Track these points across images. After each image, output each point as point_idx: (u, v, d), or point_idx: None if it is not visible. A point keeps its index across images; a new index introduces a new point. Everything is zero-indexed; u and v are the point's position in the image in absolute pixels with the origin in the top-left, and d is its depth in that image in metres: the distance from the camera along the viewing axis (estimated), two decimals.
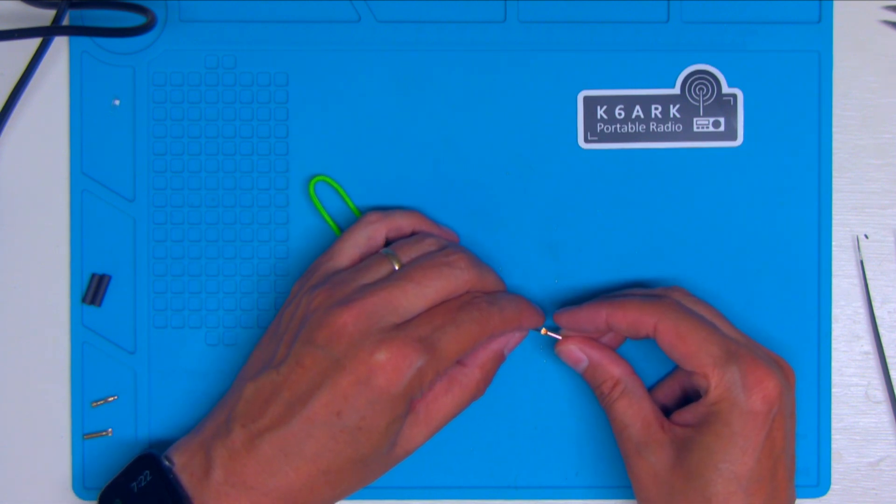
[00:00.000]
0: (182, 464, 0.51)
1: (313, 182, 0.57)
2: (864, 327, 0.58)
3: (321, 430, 0.49)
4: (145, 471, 0.51)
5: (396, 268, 0.52)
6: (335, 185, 0.57)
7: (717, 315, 0.53)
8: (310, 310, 0.51)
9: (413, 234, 0.56)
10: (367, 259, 0.53)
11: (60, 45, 0.57)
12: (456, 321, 0.51)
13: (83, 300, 0.57)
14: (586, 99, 0.57)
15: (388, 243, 0.55)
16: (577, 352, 0.55)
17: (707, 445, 0.50)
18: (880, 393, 0.58)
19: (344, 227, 0.56)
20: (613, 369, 0.54)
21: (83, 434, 0.57)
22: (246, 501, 0.50)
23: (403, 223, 0.55)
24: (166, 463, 0.51)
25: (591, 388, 0.55)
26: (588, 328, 0.54)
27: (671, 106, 0.57)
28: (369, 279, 0.52)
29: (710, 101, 0.57)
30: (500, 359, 0.54)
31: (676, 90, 0.57)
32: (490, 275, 0.54)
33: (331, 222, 0.57)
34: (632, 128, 0.57)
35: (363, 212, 0.57)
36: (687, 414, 0.52)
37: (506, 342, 0.54)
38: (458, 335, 0.51)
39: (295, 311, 0.52)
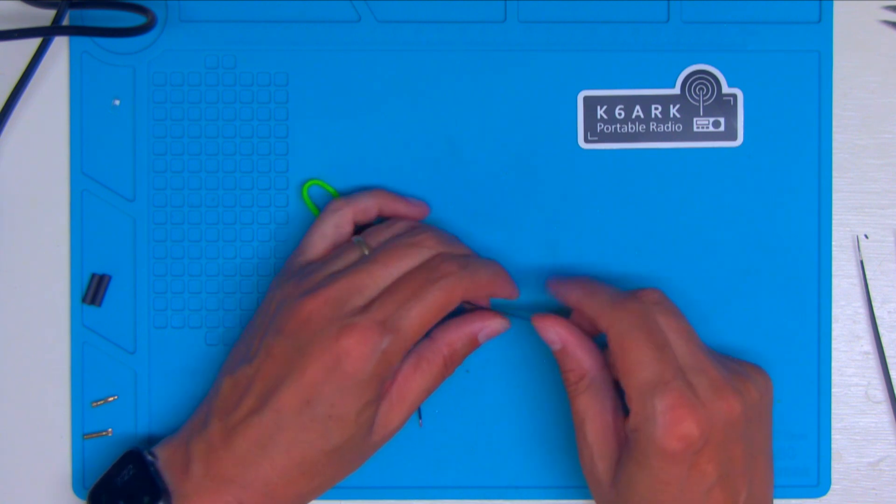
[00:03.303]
0: (165, 459, 0.52)
1: (306, 186, 0.57)
2: (864, 327, 0.58)
3: (291, 421, 0.49)
4: (129, 465, 0.52)
5: (367, 253, 0.52)
6: (329, 188, 0.57)
7: (681, 329, 0.51)
8: (281, 301, 0.51)
9: (380, 215, 0.55)
10: (337, 250, 0.53)
11: (60, 45, 0.57)
12: (420, 294, 0.50)
13: (83, 300, 0.57)
14: (586, 99, 0.57)
15: (359, 230, 0.55)
16: (551, 332, 0.53)
17: (630, 472, 0.49)
18: (880, 393, 0.58)
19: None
20: (584, 360, 0.52)
21: (83, 434, 0.57)
22: (226, 494, 0.50)
23: (368, 204, 0.55)
24: (149, 457, 0.52)
25: (560, 371, 0.53)
26: (565, 302, 0.54)
27: (671, 106, 0.57)
28: (339, 267, 0.52)
29: (710, 101, 0.57)
30: (472, 342, 0.54)
31: (676, 90, 0.57)
32: (459, 248, 0.54)
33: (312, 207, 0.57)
34: (632, 128, 0.57)
35: None
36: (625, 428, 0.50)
37: (481, 327, 0.54)
38: (423, 308, 0.50)
39: (268, 306, 0.52)
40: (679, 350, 0.50)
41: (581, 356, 0.53)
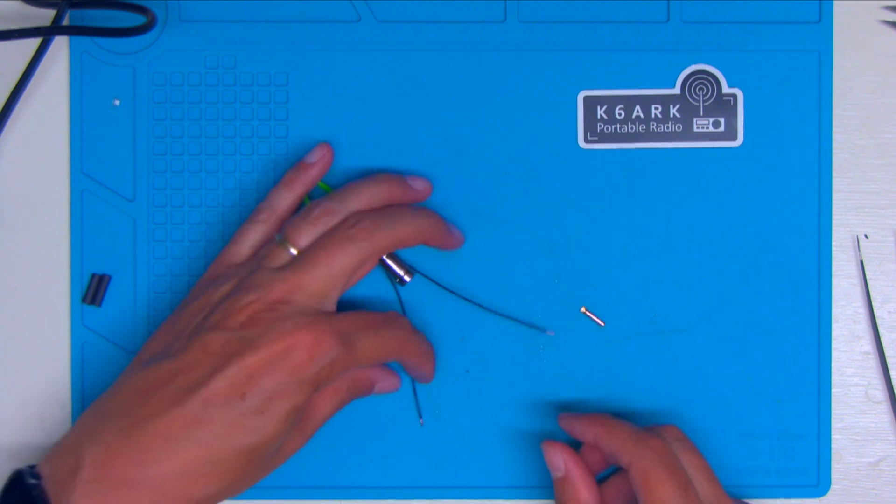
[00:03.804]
0: (49, 474, 0.48)
1: None
2: (864, 327, 0.58)
3: (218, 413, 0.47)
4: (15, 490, 0.47)
5: (293, 252, 0.51)
6: (327, 188, 0.57)
7: (703, 468, 0.52)
8: (218, 300, 0.51)
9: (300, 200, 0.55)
10: (263, 249, 0.53)
11: (60, 45, 0.57)
12: (378, 331, 0.51)
13: (83, 300, 0.57)
14: (586, 99, 0.57)
15: None
16: (558, 458, 0.53)
17: None
18: (880, 393, 0.58)
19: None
20: (583, 492, 0.53)
21: None
22: (113, 499, 0.46)
23: (290, 206, 0.55)
24: (30, 480, 0.47)
25: (554, 497, 0.54)
26: (580, 439, 0.54)
27: (671, 106, 0.57)
28: (274, 265, 0.51)
29: (710, 101, 0.57)
30: (368, 389, 0.54)
31: (676, 90, 0.57)
32: (403, 226, 0.53)
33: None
34: (632, 128, 0.57)
35: None
36: None
37: (381, 380, 0.55)
38: (376, 342, 0.51)
39: (199, 309, 0.51)
40: (702, 489, 0.51)
41: (581, 488, 0.53)
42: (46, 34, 0.56)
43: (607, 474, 0.56)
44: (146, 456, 0.47)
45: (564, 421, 0.55)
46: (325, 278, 0.50)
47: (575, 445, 0.54)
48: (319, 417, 0.52)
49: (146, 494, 0.47)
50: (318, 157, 0.56)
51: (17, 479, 0.48)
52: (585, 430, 0.53)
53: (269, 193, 0.55)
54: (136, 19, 0.56)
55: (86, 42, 0.57)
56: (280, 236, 0.52)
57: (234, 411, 0.47)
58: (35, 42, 0.57)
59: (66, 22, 0.57)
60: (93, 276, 0.57)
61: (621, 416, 0.57)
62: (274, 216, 0.54)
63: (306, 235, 0.52)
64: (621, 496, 0.54)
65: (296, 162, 0.57)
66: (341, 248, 0.51)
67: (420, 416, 0.57)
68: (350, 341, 0.50)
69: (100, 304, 0.57)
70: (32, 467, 0.48)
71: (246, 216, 0.57)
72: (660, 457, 0.50)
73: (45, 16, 0.57)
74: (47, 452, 0.49)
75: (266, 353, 0.48)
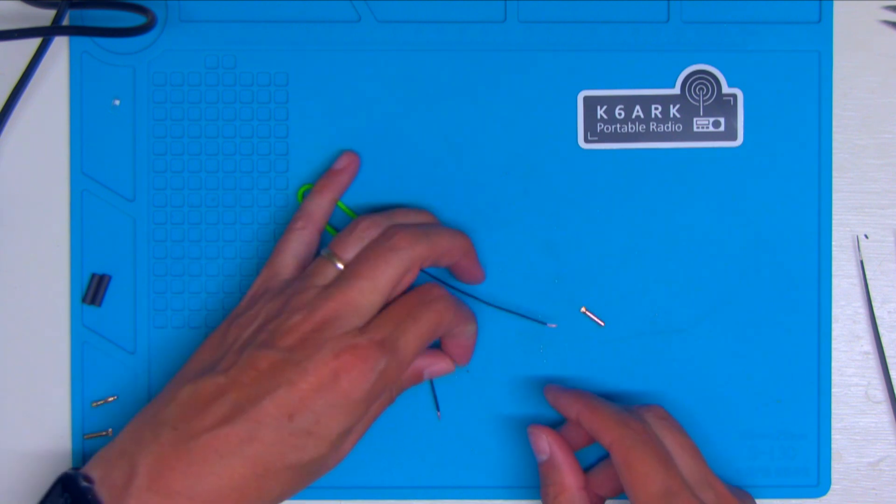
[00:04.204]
0: (101, 477, 0.48)
1: (301, 191, 0.57)
2: (864, 327, 0.58)
3: (268, 431, 0.48)
4: (65, 493, 0.48)
5: (340, 266, 0.52)
6: (349, 212, 0.57)
7: (687, 445, 0.52)
8: (267, 319, 0.51)
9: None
10: (308, 266, 0.53)
11: (60, 45, 0.57)
12: (414, 315, 0.51)
13: (83, 300, 0.57)
14: (586, 99, 0.57)
15: None
16: (543, 442, 0.54)
17: None
18: (880, 393, 0.58)
19: (340, 229, 0.56)
20: (568, 476, 0.54)
21: (83, 434, 0.57)
22: None
23: (326, 213, 0.55)
24: (84, 483, 0.48)
25: (539, 480, 0.55)
26: (562, 414, 0.54)
27: (671, 106, 0.57)
28: (322, 283, 0.51)
29: (710, 101, 0.57)
30: (418, 377, 0.55)
31: (676, 90, 0.57)
32: (441, 240, 0.53)
33: (328, 227, 0.57)
34: (632, 128, 0.57)
35: (357, 213, 0.57)
36: None
37: (430, 364, 0.55)
38: (417, 330, 0.51)
39: (248, 323, 0.51)
40: (686, 466, 0.52)
41: (566, 472, 0.54)
42: (46, 34, 0.56)
43: (593, 463, 0.56)
44: (199, 469, 0.48)
45: (550, 393, 0.55)
46: (371, 292, 0.51)
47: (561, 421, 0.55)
48: (369, 421, 0.52)
49: None
50: (345, 164, 0.56)
51: (69, 482, 0.48)
52: (569, 407, 0.54)
53: (303, 202, 0.56)
54: (136, 19, 0.56)
55: (86, 42, 0.57)
56: (327, 251, 0.53)
57: (284, 431, 0.48)
58: (35, 42, 0.57)
59: (66, 22, 0.57)
60: (93, 276, 0.57)
61: None
62: (311, 223, 0.55)
63: (352, 249, 0.52)
64: (607, 482, 0.54)
65: (296, 162, 0.57)
66: (384, 258, 0.51)
67: (438, 409, 0.57)
68: (394, 346, 0.50)
69: (100, 304, 0.57)
70: (78, 470, 0.49)
71: (245, 216, 0.57)
72: (642, 434, 0.51)
73: (45, 16, 0.57)
74: (95, 457, 0.50)
75: (315, 378, 0.48)
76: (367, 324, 0.50)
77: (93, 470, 0.49)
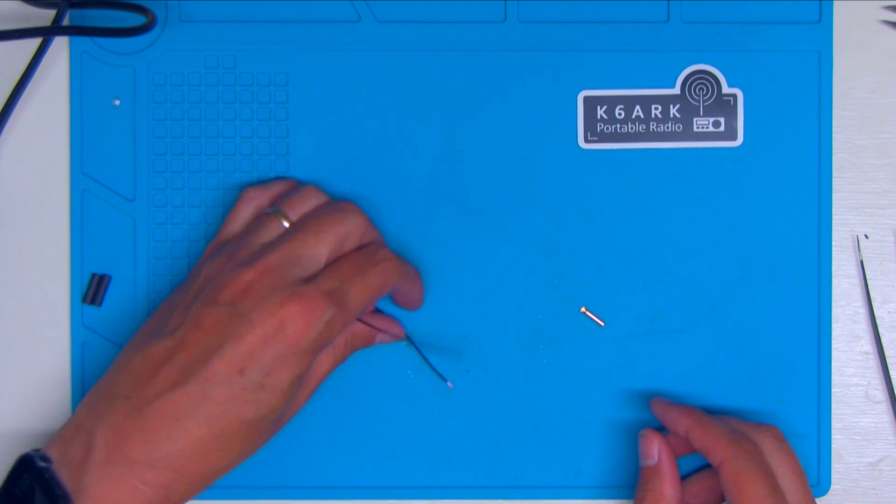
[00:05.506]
0: (59, 457, 0.48)
1: None
2: (864, 327, 0.58)
3: (220, 389, 0.48)
4: (23, 473, 0.48)
5: (286, 224, 0.52)
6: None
7: (795, 472, 0.52)
8: (210, 276, 0.51)
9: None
10: (255, 222, 0.53)
11: (60, 45, 0.57)
12: (362, 272, 0.51)
13: (83, 300, 0.57)
14: (586, 99, 0.57)
15: None
16: (654, 449, 0.54)
17: None
18: (880, 393, 0.58)
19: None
20: (669, 487, 0.53)
21: None
22: (130, 478, 0.47)
23: (282, 189, 0.55)
24: (41, 464, 0.48)
25: (638, 484, 0.55)
26: (669, 428, 0.54)
27: (671, 106, 0.57)
28: (267, 238, 0.51)
29: (710, 101, 0.57)
30: (369, 341, 0.55)
31: (676, 90, 0.57)
32: (374, 226, 0.54)
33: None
34: (632, 128, 0.57)
35: None
36: None
37: (384, 329, 0.55)
38: (365, 286, 0.51)
39: (191, 283, 0.51)
40: (792, 492, 0.52)
41: (668, 481, 0.54)
42: (46, 34, 0.56)
43: (689, 472, 0.56)
44: (156, 435, 0.47)
45: (658, 407, 0.55)
46: (317, 244, 0.51)
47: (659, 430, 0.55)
48: (319, 375, 0.53)
49: (163, 473, 0.47)
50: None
51: (27, 463, 0.48)
52: (678, 422, 0.54)
53: (269, 181, 0.56)
54: (136, 19, 0.56)
55: (86, 42, 0.57)
56: (274, 208, 0.53)
57: (236, 387, 0.48)
58: (35, 42, 0.57)
59: (66, 22, 0.57)
60: (93, 276, 0.57)
61: (621, 417, 0.57)
62: (264, 195, 0.55)
63: (299, 209, 0.53)
64: (702, 494, 0.54)
65: (296, 162, 0.57)
66: (332, 216, 0.52)
67: (447, 381, 0.57)
68: (341, 298, 0.50)
69: (100, 304, 0.57)
70: (37, 451, 0.49)
71: None
72: (753, 459, 0.51)
73: (45, 16, 0.57)
74: (53, 437, 0.49)
75: (261, 330, 0.48)
76: (312, 275, 0.50)
77: (51, 449, 0.49)
